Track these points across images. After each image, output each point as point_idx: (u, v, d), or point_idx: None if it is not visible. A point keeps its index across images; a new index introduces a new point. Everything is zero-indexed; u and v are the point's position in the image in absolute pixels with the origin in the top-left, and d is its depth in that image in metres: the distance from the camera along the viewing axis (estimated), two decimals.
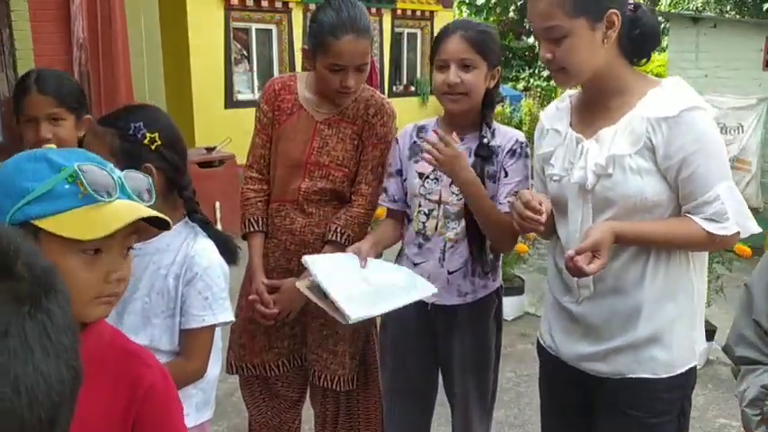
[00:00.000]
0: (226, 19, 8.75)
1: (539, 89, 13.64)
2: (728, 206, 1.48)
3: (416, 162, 1.98)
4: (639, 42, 1.57)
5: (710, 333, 3.61)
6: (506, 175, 1.93)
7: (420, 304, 1.95)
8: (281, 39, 9.47)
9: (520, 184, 1.93)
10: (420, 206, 1.98)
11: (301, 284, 1.88)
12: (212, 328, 1.50)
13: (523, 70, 16.04)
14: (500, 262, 2.06)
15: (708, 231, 1.48)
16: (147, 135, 1.44)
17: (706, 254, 1.67)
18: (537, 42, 1.60)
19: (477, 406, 2.02)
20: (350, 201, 2.12)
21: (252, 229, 2.14)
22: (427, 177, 1.96)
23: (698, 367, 1.66)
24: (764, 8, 14.00)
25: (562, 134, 1.64)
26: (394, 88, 11.63)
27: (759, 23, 7.43)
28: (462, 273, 1.97)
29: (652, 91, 1.53)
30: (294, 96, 2.14)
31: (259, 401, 2.30)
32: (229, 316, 1.52)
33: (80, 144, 1.63)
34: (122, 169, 1.40)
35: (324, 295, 1.79)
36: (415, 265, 1.99)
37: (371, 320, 2.14)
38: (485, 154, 1.90)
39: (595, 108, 1.61)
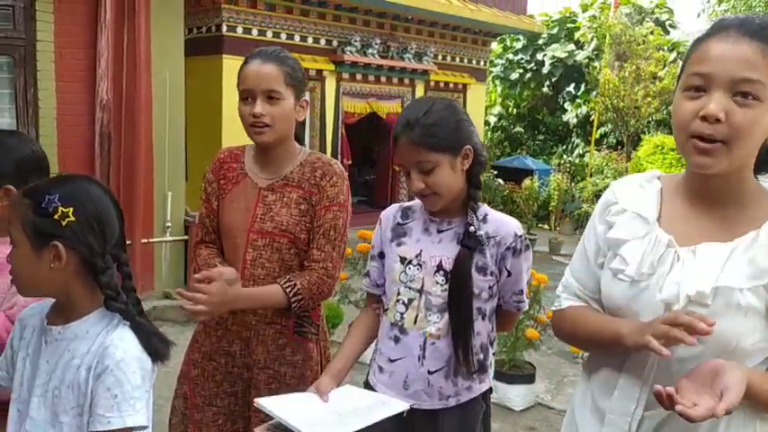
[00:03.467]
0: None
1: (570, 165, 13.49)
2: None
3: (399, 246, 1.79)
4: None
5: None
6: (509, 275, 1.74)
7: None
8: (314, 105, 9.56)
9: (525, 279, 1.77)
10: (399, 294, 1.76)
11: (260, 429, 1.66)
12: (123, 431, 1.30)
13: (557, 146, 15.96)
14: (490, 361, 1.82)
15: None
16: (60, 209, 1.29)
17: None
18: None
19: None
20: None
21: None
22: (410, 263, 1.75)
23: None
24: None
25: (648, 226, 1.30)
26: None
27: None
28: (444, 373, 1.73)
29: None
30: (240, 165, 2.03)
31: None
32: (140, 420, 1.31)
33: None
34: (30, 245, 1.30)
35: None
36: (392, 361, 1.77)
37: None
38: (471, 245, 1.69)
39: (700, 210, 1.28)
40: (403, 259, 1.76)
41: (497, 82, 17.03)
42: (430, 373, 1.73)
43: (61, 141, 5.22)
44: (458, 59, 11.79)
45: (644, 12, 15.17)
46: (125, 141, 5.52)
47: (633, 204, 1.34)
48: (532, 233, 10.15)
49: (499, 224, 1.74)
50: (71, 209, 1.30)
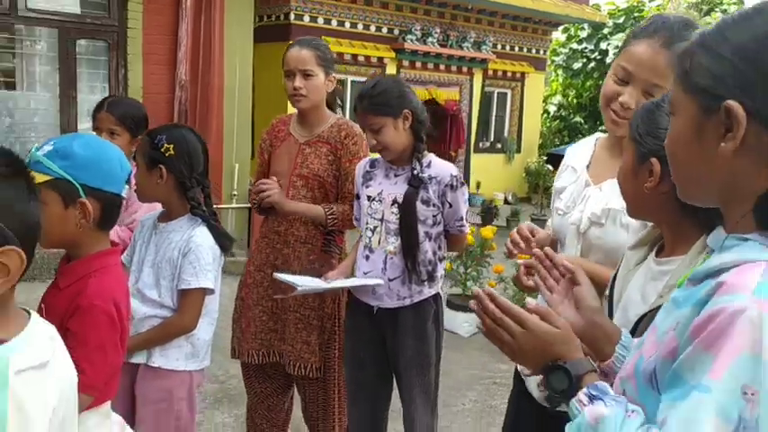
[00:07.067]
0: None
1: None
2: None
3: (367, 188, 2.40)
4: None
5: None
6: (450, 206, 2.31)
7: (368, 310, 2.37)
8: None
9: (463, 209, 2.35)
10: (368, 224, 2.38)
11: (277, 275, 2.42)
12: (199, 291, 1.96)
13: None
14: (439, 273, 2.40)
15: None
16: (165, 145, 1.96)
17: None
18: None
19: (422, 399, 2.36)
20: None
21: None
22: (374, 199, 2.37)
23: None
24: None
25: (577, 173, 1.78)
26: (480, 144, 11.95)
27: None
28: (401, 280, 2.32)
29: None
30: (286, 128, 2.70)
31: (254, 383, 2.73)
32: (209, 284, 1.97)
33: (135, 158, 2.16)
34: (146, 167, 1.99)
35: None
36: (365, 273, 2.38)
37: (335, 318, 2.60)
38: (416, 184, 2.29)
39: (612, 158, 1.71)
40: (369, 197, 2.39)
41: (560, 71, 17.10)
42: (390, 280, 2.34)
43: None
44: (517, 48, 11.97)
45: (712, 2, 15.01)
46: (199, 117, 6.26)
47: (572, 160, 1.83)
48: None
49: (439, 168, 2.32)
50: (172, 145, 1.98)
